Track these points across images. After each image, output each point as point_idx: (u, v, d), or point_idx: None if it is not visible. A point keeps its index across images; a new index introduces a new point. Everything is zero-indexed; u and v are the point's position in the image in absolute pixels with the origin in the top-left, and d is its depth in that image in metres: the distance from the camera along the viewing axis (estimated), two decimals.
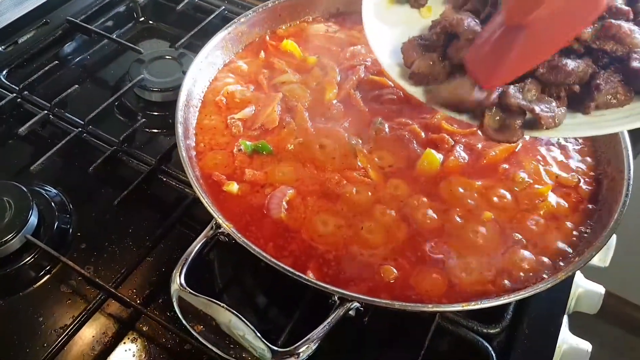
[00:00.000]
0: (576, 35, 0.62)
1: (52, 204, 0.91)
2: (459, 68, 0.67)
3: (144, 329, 0.79)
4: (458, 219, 0.77)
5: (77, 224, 0.90)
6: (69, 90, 1.06)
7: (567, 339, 0.81)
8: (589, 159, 0.86)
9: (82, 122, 1.01)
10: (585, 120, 0.66)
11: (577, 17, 0.54)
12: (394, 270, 0.71)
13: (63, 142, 0.97)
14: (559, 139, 0.89)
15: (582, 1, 0.53)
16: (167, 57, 1.15)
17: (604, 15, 0.64)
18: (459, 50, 0.66)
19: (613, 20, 0.63)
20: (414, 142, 0.86)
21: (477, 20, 0.68)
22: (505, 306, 0.81)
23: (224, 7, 1.25)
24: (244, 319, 0.60)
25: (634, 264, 1.45)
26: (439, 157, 0.83)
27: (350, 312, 0.63)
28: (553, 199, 0.80)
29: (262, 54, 1.00)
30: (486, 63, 0.59)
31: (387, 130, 0.87)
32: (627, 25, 0.63)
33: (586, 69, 0.64)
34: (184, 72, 0.99)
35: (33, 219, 0.85)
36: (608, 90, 0.64)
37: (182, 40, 1.16)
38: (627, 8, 0.64)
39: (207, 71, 0.94)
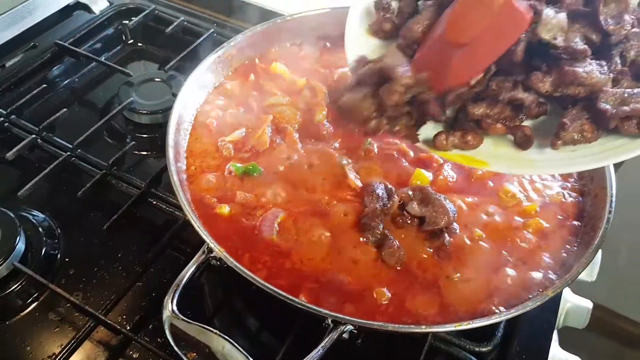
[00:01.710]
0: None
1: (40, 229, 0.89)
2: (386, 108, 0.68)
3: (134, 355, 0.77)
4: (449, 237, 0.77)
5: (65, 249, 0.89)
6: (58, 114, 1.05)
7: (557, 354, 0.82)
8: (572, 176, 0.88)
9: (71, 146, 1.00)
10: (557, 157, 0.66)
11: (505, 36, 0.61)
12: (387, 292, 0.71)
13: (51, 166, 0.96)
14: None
15: (508, 23, 0.60)
16: (157, 79, 1.15)
17: (562, 56, 0.62)
18: (390, 93, 0.66)
19: (567, 67, 0.61)
20: (403, 161, 0.87)
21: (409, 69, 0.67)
22: (496, 324, 0.81)
23: (213, 30, 1.27)
24: (238, 346, 0.60)
25: (621, 277, 1.47)
26: (429, 175, 0.84)
27: (344, 335, 0.63)
28: (540, 216, 0.82)
29: (252, 76, 1.01)
30: (432, 69, 0.65)
31: (376, 150, 0.88)
32: (582, 69, 0.61)
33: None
34: (174, 95, 0.99)
35: (20, 246, 0.83)
36: (575, 127, 0.63)
37: (172, 63, 1.17)
38: (583, 47, 0.62)
39: (197, 94, 0.94)
